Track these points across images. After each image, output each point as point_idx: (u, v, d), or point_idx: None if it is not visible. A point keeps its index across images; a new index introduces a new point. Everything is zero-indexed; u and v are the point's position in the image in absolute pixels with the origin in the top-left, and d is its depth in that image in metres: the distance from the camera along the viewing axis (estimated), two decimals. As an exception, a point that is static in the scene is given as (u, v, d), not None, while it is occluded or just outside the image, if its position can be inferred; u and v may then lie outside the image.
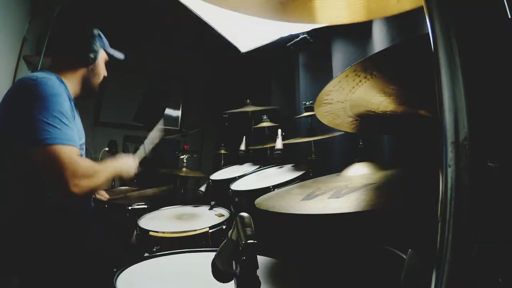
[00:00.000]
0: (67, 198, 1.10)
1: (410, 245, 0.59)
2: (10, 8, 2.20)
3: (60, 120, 1.01)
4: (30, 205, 1.06)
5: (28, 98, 1.01)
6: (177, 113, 3.64)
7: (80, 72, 1.25)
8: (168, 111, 3.57)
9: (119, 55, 1.43)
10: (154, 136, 1.62)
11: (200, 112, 3.60)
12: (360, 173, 0.84)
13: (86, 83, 1.27)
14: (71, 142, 1.02)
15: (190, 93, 3.69)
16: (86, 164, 1.05)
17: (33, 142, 0.97)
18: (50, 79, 1.07)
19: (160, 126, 1.68)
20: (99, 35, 1.31)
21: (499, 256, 0.36)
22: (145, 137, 1.61)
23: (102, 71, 1.33)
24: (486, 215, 0.34)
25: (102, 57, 1.33)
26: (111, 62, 1.41)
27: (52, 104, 1.01)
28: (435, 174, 0.35)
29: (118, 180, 1.23)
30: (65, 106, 1.06)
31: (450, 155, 0.33)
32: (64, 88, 1.12)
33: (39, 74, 1.08)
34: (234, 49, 2.27)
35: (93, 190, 1.12)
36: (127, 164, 1.29)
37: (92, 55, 1.26)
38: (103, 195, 1.60)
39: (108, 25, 1.33)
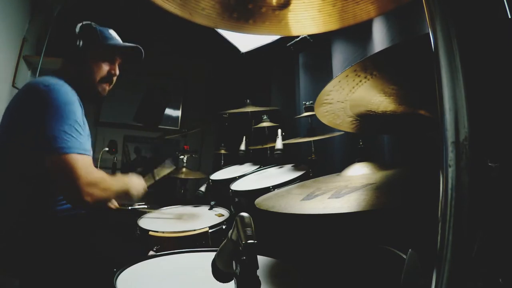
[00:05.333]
0: (79, 206, 1.12)
1: (410, 245, 0.59)
2: (10, 8, 2.20)
3: (75, 129, 1.02)
4: (32, 207, 1.06)
5: (43, 105, 1.00)
6: (177, 113, 3.63)
7: (73, 72, 1.17)
8: (168, 111, 3.57)
9: (128, 45, 1.31)
10: (164, 168, 1.63)
11: (200, 112, 3.60)
12: (360, 173, 0.84)
13: (80, 82, 1.17)
14: (85, 151, 1.03)
15: (190, 93, 3.68)
16: (99, 174, 1.07)
17: (48, 150, 0.97)
18: (63, 86, 1.06)
19: (172, 165, 1.67)
20: (89, 30, 1.20)
21: (499, 256, 0.36)
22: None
23: (97, 68, 1.21)
24: (486, 215, 0.34)
25: (96, 53, 1.20)
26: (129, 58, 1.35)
27: (67, 113, 1.01)
28: (435, 174, 0.35)
29: (125, 197, 1.21)
30: (78, 114, 1.06)
31: (451, 155, 0.33)
32: (75, 93, 1.10)
33: (51, 80, 1.06)
34: (234, 49, 2.28)
35: (105, 201, 1.12)
36: (136, 183, 1.28)
37: (75, 51, 1.16)
38: (113, 203, 1.60)
39: (108, 25, 1.32)
